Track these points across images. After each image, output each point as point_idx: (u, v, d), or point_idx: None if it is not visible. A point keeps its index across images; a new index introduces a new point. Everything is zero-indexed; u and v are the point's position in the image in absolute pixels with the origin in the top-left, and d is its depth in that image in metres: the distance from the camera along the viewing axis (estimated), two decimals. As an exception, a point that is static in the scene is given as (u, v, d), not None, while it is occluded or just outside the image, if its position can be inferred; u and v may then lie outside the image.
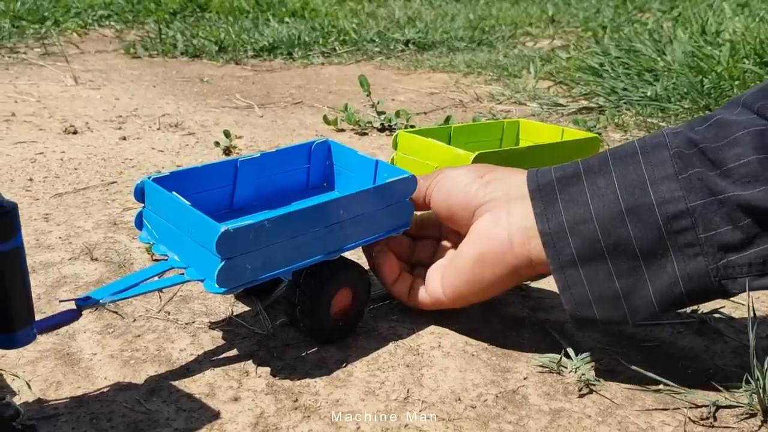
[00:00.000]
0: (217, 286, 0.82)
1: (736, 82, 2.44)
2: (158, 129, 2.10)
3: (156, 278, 0.89)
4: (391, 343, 0.99)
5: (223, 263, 0.81)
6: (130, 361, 0.93)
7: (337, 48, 3.73)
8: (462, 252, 0.97)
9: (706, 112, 2.31)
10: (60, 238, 1.30)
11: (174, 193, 0.90)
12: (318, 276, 0.94)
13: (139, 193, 0.93)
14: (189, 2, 4.84)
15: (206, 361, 0.93)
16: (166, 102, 2.48)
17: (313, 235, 0.90)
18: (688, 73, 2.58)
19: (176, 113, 2.31)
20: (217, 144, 1.90)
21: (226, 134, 1.91)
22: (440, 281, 1.00)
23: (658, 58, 2.86)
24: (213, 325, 1.02)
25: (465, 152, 1.11)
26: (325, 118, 2.22)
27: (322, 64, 3.43)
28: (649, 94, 2.53)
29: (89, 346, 0.96)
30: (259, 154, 1.06)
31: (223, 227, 0.80)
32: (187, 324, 1.02)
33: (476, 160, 1.09)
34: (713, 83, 2.46)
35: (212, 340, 0.98)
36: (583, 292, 0.88)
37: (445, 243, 1.07)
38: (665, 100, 2.47)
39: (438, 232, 1.08)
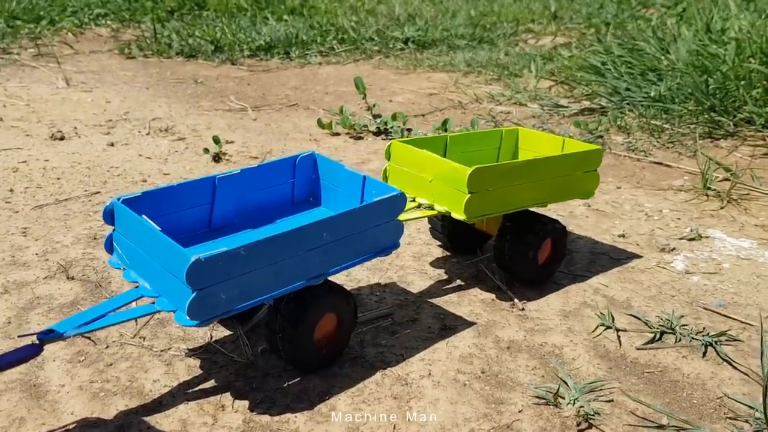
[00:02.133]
0: (188, 318, 0.76)
1: (742, 82, 2.38)
2: (148, 134, 2.04)
3: (125, 308, 0.83)
4: (378, 372, 0.94)
5: (194, 294, 0.75)
6: (99, 393, 0.87)
7: (335, 47, 3.67)
8: None
9: (712, 114, 2.24)
10: (37, 254, 1.24)
11: (144, 216, 0.84)
12: (300, 301, 0.88)
13: (109, 216, 0.87)
14: (186, 0, 4.78)
15: (180, 393, 0.88)
16: (158, 105, 2.42)
17: (295, 259, 0.84)
18: (693, 72, 2.51)
19: (167, 117, 2.26)
20: (206, 150, 1.85)
21: (216, 140, 1.85)
22: None
23: (662, 57, 2.79)
24: (190, 353, 0.96)
25: (461, 166, 1.05)
26: (319, 121, 2.16)
27: (320, 63, 3.37)
28: (652, 94, 2.47)
29: (58, 376, 0.90)
30: (239, 170, 1.01)
31: (194, 256, 0.74)
32: (162, 351, 0.96)
33: (473, 176, 1.03)
34: (718, 83, 2.39)
35: (188, 369, 0.93)
36: None
37: None
38: (669, 101, 2.40)
39: None
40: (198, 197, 0.97)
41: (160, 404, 0.85)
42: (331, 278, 0.96)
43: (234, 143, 1.98)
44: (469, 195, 1.04)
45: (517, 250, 1.15)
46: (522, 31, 4.39)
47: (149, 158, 1.81)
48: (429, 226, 1.31)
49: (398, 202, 0.94)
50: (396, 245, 0.97)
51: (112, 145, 1.92)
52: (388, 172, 1.18)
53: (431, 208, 1.11)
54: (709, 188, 1.66)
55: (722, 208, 1.58)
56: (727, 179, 1.75)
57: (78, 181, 1.62)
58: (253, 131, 2.13)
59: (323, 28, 3.99)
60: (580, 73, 2.88)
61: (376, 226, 0.92)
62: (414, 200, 1.13)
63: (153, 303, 0.82)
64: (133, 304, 0.90)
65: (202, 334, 1.01)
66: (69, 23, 4.11)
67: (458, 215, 1.06)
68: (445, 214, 1.09)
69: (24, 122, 2.12)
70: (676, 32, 3.10)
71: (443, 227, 1.27)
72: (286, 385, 0.90)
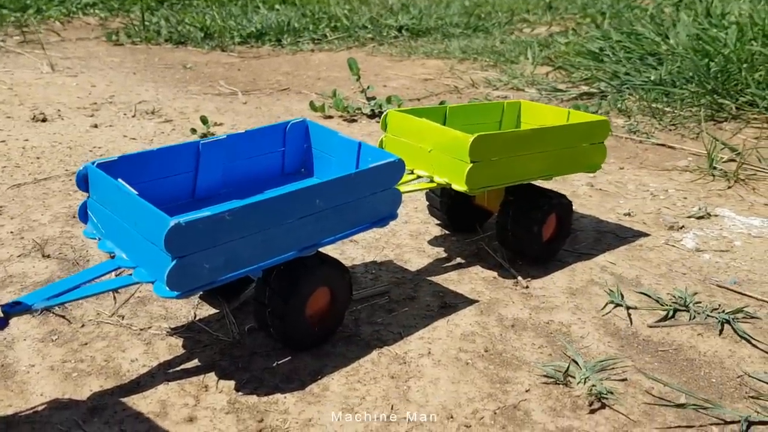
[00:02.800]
0: (168, 289, 0.70)
1: (744, 65, 2.32)
2: (133, 116, 1.97)
3: (100, 280, 0.77)
4: (374, 351, 0.87)
5: (174, 263, 0.69)
6: (72, 374, 0.80)
7: (328, 34, 3.60)
8: None
9: (714, 96, 2.19)
10: (12, 232, 1.17)
11: (120, 180, 0.77)
12: (291, 274, 0.82)
13: (82, 181, 0.80)
14: (177, -10, 4.70)
15: (160, 373, 0.81)
16: (145, 89, 2.35)
17: (285, 228, 0.77)
18: (694, 56, 2.45)
19: (154, 100, 2.18)
20: (193, 131, 1.78)
21: (203, 120, 1.78)
22: None
23: (661, 42, 2.73)
24: (171, 331, 0.90)
25: (463, 134, 0.98)
26: (311, 104, 2.09)
27: (312, 50, 3.30)
28: (652, 78, 2.41)
29: (28, 356, 0.84)
30: (225, 136, 0.94)
31: (174, 221, 0.68)
32: (142, 330, 0.90)
33: (475, 144, 0.97)
34: (720, 66, 2.34)
35: (169, 348, 0.86)
36: None
37: None
38: (670, 85, 2.34)
39: None
40: (180, 164, 0.90)
41: (138, 385, 0.79)
42: (325, 252, 0.90)
43: (223, 125, 1.91)
44: (471, 164, 0.97)
45: (520, 225, 1.09)
46: (517, 21, 4.33)
47: (134, 139, 1.74)
48: (427, 203, 1.24)
49: (396, 168, 0.87)
50: (393, 215, 0.90)
51: (96, 126, 1.84)
52: (384, 143, 1.12)
53: (431, 180, 1.04)
54: (714, 168, 1.61)
55: (729, 187, 1.52)
56: (732, 160, 1.69)
57: (58, 161, 1.54)
58: (243, 114, 2.06)
59: (315, 16, 3.92)
60: (577, 58, 2.82)
61: (372, 194, 0.86)
62: (412, 172, 1.07)
63: (130, 274, 0.75)
64: (112, 277, 0.83)
65: (185, 313, 0.94)
66: (56, 12, 4.03)
67: (459, 186, 1.00)
68: (445, 186, 1.03)
69: (5, 105, 2.04)
70: (675, 18, 3.04)
71: (442, 204, 1.21)
72: (275, 364, 0.83)
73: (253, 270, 0.77)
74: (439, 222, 1.26)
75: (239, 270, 0.75)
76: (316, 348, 0.87)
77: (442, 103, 2.05)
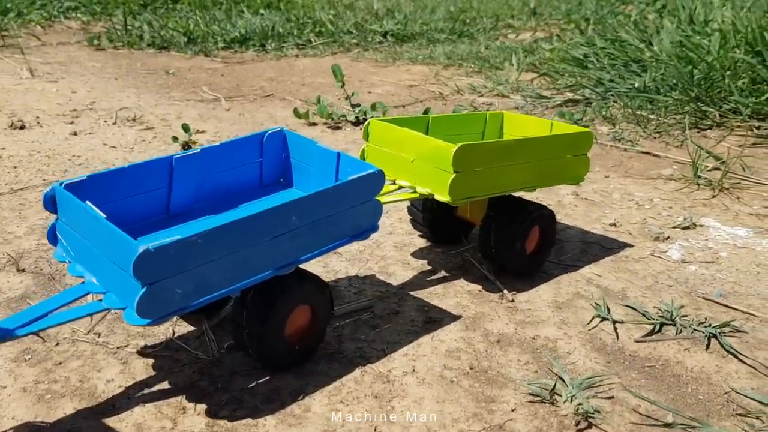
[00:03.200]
0: (138, 316, 0.67)
1: (728, 72, 2.33)
2: (114, 123, 1.94)
3: (68, 307, 0.73)
4: (357, 369, 0.86)
5: (144, 290, 0.66)
6: (45, 395, 0.78)
7: (312, 40, 3.58)
8: None
9: (698, 103, 2.19)
10: (-14, 245, 1.15)
11: (88, 203, 0.74)
12: (268, 294, 0.80)
13: (50, 203, 0.77)
14: (160, -7, 4.66)
15: (137, 394, 0.79)
16: (126, 95, 2.32)
17: (260, 247, 0.75)
18: (677, 63, 2.46)
19: (136, 107, 2.15)
20: (175, 139, 1.75)
21: (185, 128, 1.76)
22: None
23: (645, 48, 2.74)
24: (149, 350, 0.87)
25: (446, 144, 0.97)
26: (295, 111, 2.07)
27: (297, 56, 3.27)
28: (636, 85, 2.41)
29: None
30: (199, 149, 0.91)
31: (142, 247, 0.65)
32: (118, 348, 0.87)
33: (458, 154, 0.95)
34: (703, 73, 2.34)
35: (146, 368, 0.84)
36: None
37: None
38: (654, 92, 2.34)
39: None
40: (152, 181, 0.88)
41: (113, 407, 0.76)
42: (305, 267, 0.88)
43: (205, 132, 1.89)
44: (454, 174, 0.96)
45: (503, 239, 1.07)
46: (502, 27, 4.34)
47: (114, 147, 1.71)
48: (409, 217, 1.23)
49: (376, 180, 0.85)
50: (374, 228, 0.88)
51: (75, 134, 1.81)
52: (366, 153, 1.10)
53: (413, 190, 1.03)
54: (699, 177, 1.60)
55: (714, 197, 1.52)
56: (717, 168, 1.69)
57: (36, 170, 1.51)
58: (226, 121, 2.04)
59: (300, 21, 3.90)
60: (562, 65, 2.82)
61: (351, 207, 0.84)
62: (394, 183, 1.05)
63: (100, 300, 0.72)
64: (89, 300, 0.81)
65: (163, 330, 0.92)
66: (37, 16, 3.98)
67: (442, 197, 0.98)
68: (427, 196, 1.01)
69: (-18, 112, 2.01)
70: (659, 24, 3.05)
71: (424, 218, 1.19)
72: (254, 384, 0.81)
73: (228, 292, 0.74)
74: (422, 234, 1.24)
75: (213, 293, 0.73)
76: (297, 367, 0.85)
77: (426, 110, 2.03)
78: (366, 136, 1.09)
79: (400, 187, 1.05)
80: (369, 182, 0.85)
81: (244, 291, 0.79)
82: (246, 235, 0.73)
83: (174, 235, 0.69)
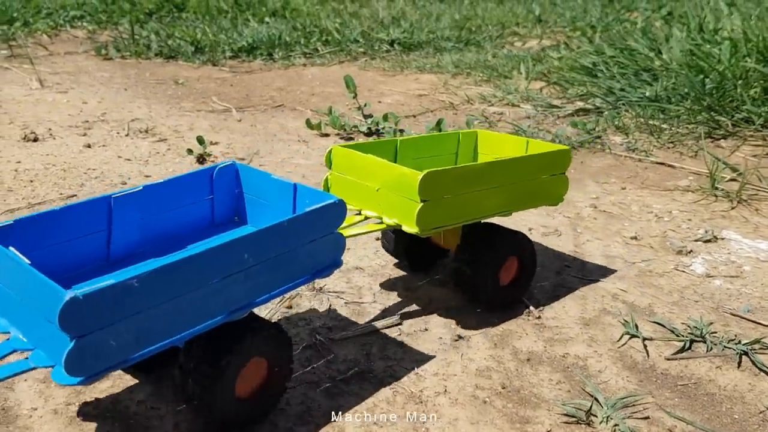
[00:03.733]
0: (68, 374, 0.60)
1: (739, 82, 2.33)
2: (127, 135, 1.93)
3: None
4: (388, 388, 0.85)
5: (73, 343, 0.59)
6: (76, 418, 0.77)
7: (319, 48, 3.58)
8: None
9: (711, 113, 2.19)
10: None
11: (11, 248, 0.66)
12: (218, 343, 0.71)
13: None
14: (165, 2, 4.66)
15: (169, 415, 0.78)
16: (137, 106, 2.32)
17: (208, 290, 0.67)
18: (688, 72, 2.46)
19: (147, 118, 2.15)
20: (190, 152, 1.75)
21: (200, 141, 1.75)
22: None
23: (655, 57, 2.74)
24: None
25: (411, 171, 0.90)
26: (308, 122, 2.07)
27: (304, 65, 3.28)
28: (648, 94, 2.41)
29: (29, 398, 0.80)
30: (141, 187, 0.83)
31: (69, 294, 0.58)
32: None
33: (425, 181, 0.88)
34: (715, 83, 2.34)
35: (176, 388, 0.83)
36: None
37: None
38: (665, 101, 2.34)
39: None
40: (90, 223, 0.80)
41: (146, 429, 0.76)
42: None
43: (218, 144, 1.88)
44: (421, 204, 0.89)
45: (477, 269, 1.01)
46: (507, 34, 4.34)
47: (129, 160, 1.71)
48: (382, 245, 1.17)
49: (336, 211, 0.79)
50: (338, 263, 0.82)
51: (89, 146, 1.81)
52: (329, 182, 1.02)
53: (380, 221, 0.96)
54: (717, 189, 1.60)
55: (733, 208, 1.51)
56: (733, 179, 1.68)
57: (53, 184, 1.51)
58: (238, 132, 2.03)
59: (307, 30, 3.90)
60: (571, 74, 2.82)
61: (310, 241, 0.76)
62: (360, 213, 0.98)
63: (27, 359, 0.64)
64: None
65: (191, 349, 0.91)
66: (44, 25, 3.99)
67: (410, 228, 0.91)
68: (395, 227, 0.94)
69: (-5, 123, 2.00)
70: (668, 33, 3.05)
71: (397, 247, 1.13)
72: (286, 405, 0.81)
73: (175, 341, 0.67)
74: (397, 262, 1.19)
75: (156, 344, 0.65)
76: (250, 425, 0.84)
77: (439, 121, 2.03)
78: (329, 164, 1.02)
79: (366, 218, 0.97)
80: (328, 214, 0.78)
81: (192, 340, 0.71)
82: (191, 276, 0.66)
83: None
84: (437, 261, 1.18)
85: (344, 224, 0.88)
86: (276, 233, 0.72)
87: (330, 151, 1.01)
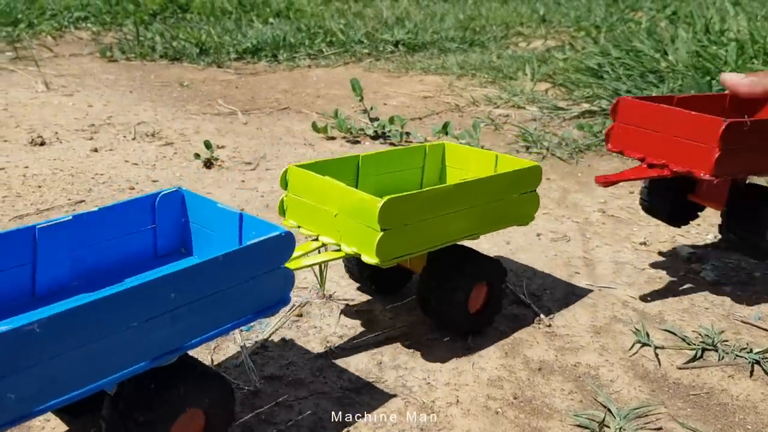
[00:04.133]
0: None
1: (746, 84, 2.32)
2: (133, 139, 1.93)
3: None
4: (400, 398, 0.85)
5: None
6: (91, 430, 0.77)
7: (324, 50, 3.58)
8: None
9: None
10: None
11: None
12: (144, 393, 0.65)
13: None
14: (169, 3, 4.66)
15: (181, 428, 0.78)
16: (143, 108, 2.32)
17: (128, 334, 0.60)
18: (694, 73, 2.45)
19: (154, 121, 2.15)
20: (197, 156, 1.75)
21: (207, 145, 1.75)
22: None
23: (660, 58, 2.73)
24: (190, 380, 0.87)
25: (371, 197, 0.83)
26: (314, 125, 2.07)
27: (309, 66, 3.27)
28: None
29: (41, 409, 0.80)
30: (70, 217, 0.77)
31: None
32: (159, 378, 0.87)
33: (385, 209, 0.81)
34: (722, 84, 2.33)
35: None
36: None
37: None
38: (672, 103, 2.33)
39: None
40: (11, 256, 0.73)
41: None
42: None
43: (225, 148, 1.88)
44: (381, 233, 0.82)
45: (442, 293, 0.94)
46: (512, 35, 4.33)
47: (136, 164, 1.71)
48: (345, 268, 1.11)
49: (283, 244, 0.71)
50: (285, 300, 0.74)
51: (96, 150, 1.81)
52: (285, 204, 0.95)
53: (338, 248, 0.89)
54: (725, 192, 1.59)
55: (741, 213, 1.50)
56: (742, 183, 1.67)
57: (61, 189, 1.51)
58: (244, 136, 2.03)
59: (311, 31, 3.90)
60: (577, 75, 2.81)
61: (251, 278, 0.69)
62: (317, 239, 0.91)
63: None
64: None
65: (202, 357, 0.91)
66: (48, 26, 3.99)
67: (369, 258, 0.84)
68: (354, 256, 0.88)
69: (1, 127, 2.00)
70: (673, 34, 3.04)
71: (362, 270, 1.07)
72: (299, 417, 0.81)
73: (88, 392, 0.59)
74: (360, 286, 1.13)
75: (65, 396, 0.58)
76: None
77: (446, 124, 2.02)
78: (284, 185, 0.94)
79: (324, 245, 0.91)
80: (273, 247, 0.71)
81: (119, 385, 0.65)
82: (106, 320, 0.59)
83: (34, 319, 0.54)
84: (402, 283, 1.11)
85: (300, 252, 0.86)
86: (209, 270, 0.65)
87: (285, 171, 0.93)
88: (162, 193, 0.83)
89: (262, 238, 0.70)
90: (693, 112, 0.98)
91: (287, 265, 0.73)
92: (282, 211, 0.95)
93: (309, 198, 0.91)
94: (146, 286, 0.60)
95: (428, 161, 1.13)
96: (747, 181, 1.15)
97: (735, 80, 1.10)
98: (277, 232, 0.71)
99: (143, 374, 0.64)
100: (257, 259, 0.69)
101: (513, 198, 0.98)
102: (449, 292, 0.94)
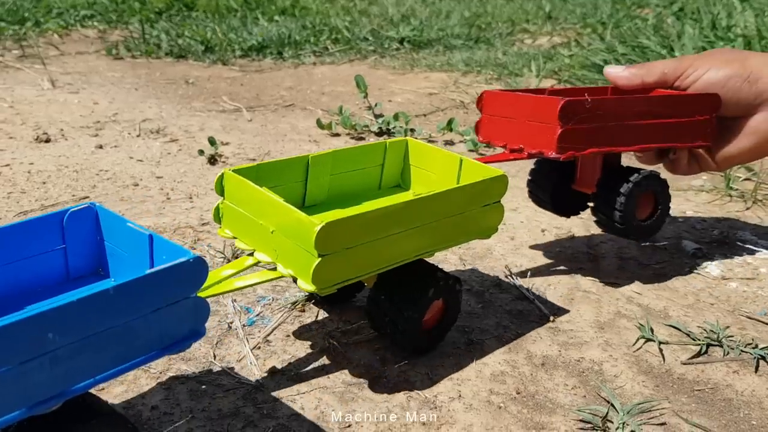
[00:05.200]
0: None
1: (753, 79, 2.30)
2: (138, 136, 1.94)
3: None
4: (402, 393, 0.84)
5: None
6: (91, 423, 0.77)
7: (329, 47, 3.58)
8: (739, 144, 1.08)
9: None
10: (20, 265, 1.14)
11: None
12: None
13: None
14: (175, 1, 4.67)
15: (182, 422, 0.78)
16: (148, 106, 2.32)
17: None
18: (701, 70, 2.43)
19: (158, 118, 2.15)
20: (201, 152, 1.75)
21: (211, 142, 1.75)
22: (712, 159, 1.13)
23: (667, 55, 2.72)
24: (191, 374, 0.87)
25: (307, 219, 0.73)
26: (318, 122, 2.06)
27: (314, 63, 3.27)
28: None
29: (44, 403, 0.80)
30: None
31: None
32: (161, 372, 0.87)
33: (323, 233, 0.72)
34: (729, 80, 2.32)
35: (190, 394, 0.83)
36: None
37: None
38: (678, 99, 2.32)
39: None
40: None
41: (161, 435, 0.76)
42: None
43: (229, 145, 1.88)
44: (319, 259, 0.73)
45: (398, 313, 0.86)
46: (518, 32, 4.32)
47: (141, 161, 1.71)
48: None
49: (194, 271, 0.63)
50: (199, 333, 0.66)
51: (101, 147, 1.81)
52: (221, 211, 0.86)
53: (274, 268, 0.81)
54: (731, 189, 1.58)
55: (748, 209, 1.50)
56: (748, 179, 1.67)
57: (65, 186, 1.51)
58: (249, 132, 2.03)
59: (316, 28, 3.90)
60: (582, 71, 2.80)
61: (154, 311, 0.61)
62: (252, 255, 0.83)
63: None
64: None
65: (204, 353, 0.91)
66: (54, 25, 4.00)
67: (306, 285, 0.75)
68: (291, 277, 0.80)
69: (7, 124, 2.01)
70: (680, 29, 3.03)
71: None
72: (301, 410, 0.80)
73: None
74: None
75: None
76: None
77: (450, 121, 2.02)
78: (220, 191, 0.85)
79: (259, 263, 0.82)
80: (181, 276, 0.62)
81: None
82: None
83: None
84: (353, 294, 1.05)
85: (232, 270, 0.80)
86: (97, 305, 0.56)
87: (220, 176, 0.85)
88: (71, 210, 0.74)
89: (160, 268, 0.61)
90: (537, 95, 1.01)
91: (204, 293, 0.65)
92: (217, 219, 0.87)
93: (245, 209, 0.82)
94: (18, 324, 0.52)
95: (389, 159, 1.05)
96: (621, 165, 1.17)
97: (615, 73, 1.10)
98: (184, 258, 0.62)
99: (26, 422, 0.56)
100: (159, 290, 0.61)
101: (474, 211, 0.89)
102: (405, 310, 0.86)
